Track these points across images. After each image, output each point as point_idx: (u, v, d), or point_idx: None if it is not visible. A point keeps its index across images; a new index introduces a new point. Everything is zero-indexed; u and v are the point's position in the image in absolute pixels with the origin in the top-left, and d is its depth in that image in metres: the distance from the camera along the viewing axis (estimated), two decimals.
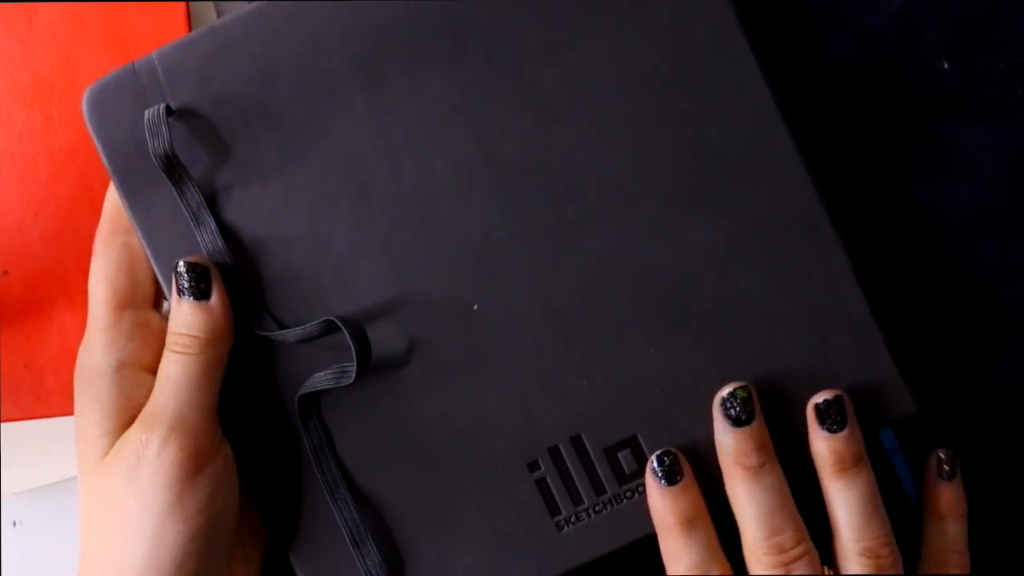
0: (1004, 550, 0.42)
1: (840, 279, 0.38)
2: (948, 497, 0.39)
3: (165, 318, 0.37)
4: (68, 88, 0.42)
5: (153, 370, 0.36)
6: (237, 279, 0.37)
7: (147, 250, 0.37)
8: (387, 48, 0.37)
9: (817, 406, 0.37)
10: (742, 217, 0.37)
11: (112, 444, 0.35)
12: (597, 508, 0.38)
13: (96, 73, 0.42)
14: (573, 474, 0.38)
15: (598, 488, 0.38)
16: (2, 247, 0.42)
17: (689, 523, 0.37)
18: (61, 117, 0.42)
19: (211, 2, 0.44)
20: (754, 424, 0.37)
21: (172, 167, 0.36)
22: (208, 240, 0.37)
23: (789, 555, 0.36)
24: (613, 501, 0.38)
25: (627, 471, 0.38)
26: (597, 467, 0.38)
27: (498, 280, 0.37)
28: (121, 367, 0.36)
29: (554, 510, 0.38)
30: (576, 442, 0.38)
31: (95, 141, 0.37)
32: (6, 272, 0.42)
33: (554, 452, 0.38)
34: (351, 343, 0.36)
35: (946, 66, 0.42)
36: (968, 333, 0.42)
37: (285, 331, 0.37)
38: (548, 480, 0.38)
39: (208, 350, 0.36)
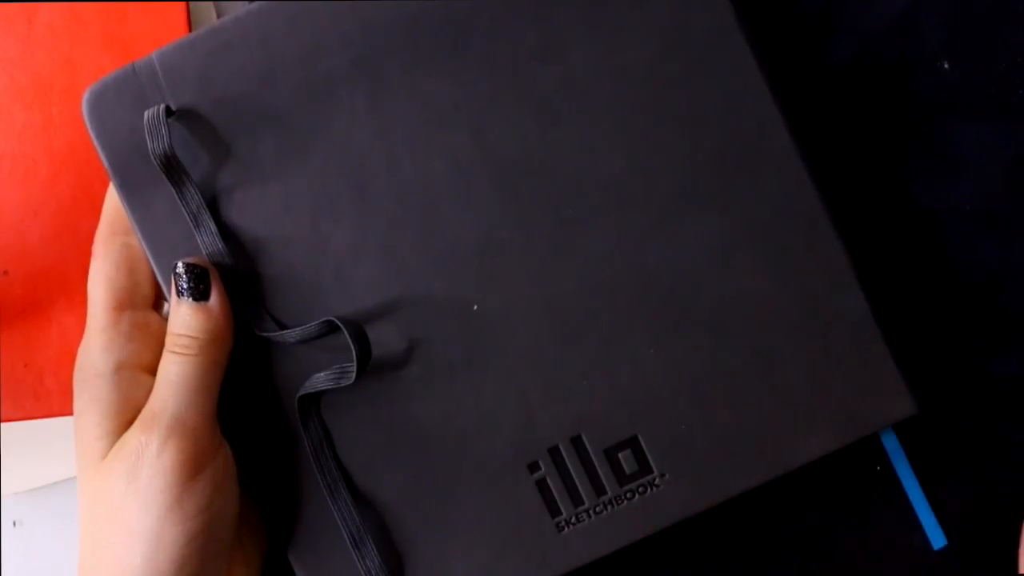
0: (1005, 550, 0.42)
1: (840, 279, 0.38)
2: None
3: (165, 319, 0.37)
4: (68, 88, 0.42)
5: (153, 371, 0.36)
6: (237, 280, 0.37)
7: (147, 251, 0.37)
8: (387, 48, 0.37)
9: None
10: (742, 217, 0.37)
11: (111, 445, 0.35)
12: (598, 509, 0.38)
13: (96, 73, 0.42)
14: (573, 475, 0.38)
15: (599, 489, 0.38)
16: (2, 247, 0.42)
17: None
18: (61, 117, 0.42)
19: (211, 2, 0.44)
20: None
21: (172, 168, 0.36)
22: (208, 241, 0.37)
23: None
24: (614, 502, 0.38)
25: (627, 471, 0.38)
26: (597, 468, 0.38)
27: (498, 280, 0.37)
28: (120, 368, 0.36)
29: (554, 511, 0.38)
30: (576, 443, 0.38)
31: (95, 142, 0.37)
32: (6, 272, 0.42)
33: (554, 453, 0.38)
34: (351, 344, 0.36)
35: (946, 66, 0.42)
36: (968, 333, 0.42)
37: (285, 332, 0.37)
38: (548, 481, 0.38)
39: (207, 351, 0.36)
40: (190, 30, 0.43)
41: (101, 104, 0.37)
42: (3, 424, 0.42)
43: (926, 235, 0.42)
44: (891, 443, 0.42)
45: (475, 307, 0.37)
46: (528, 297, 0.37)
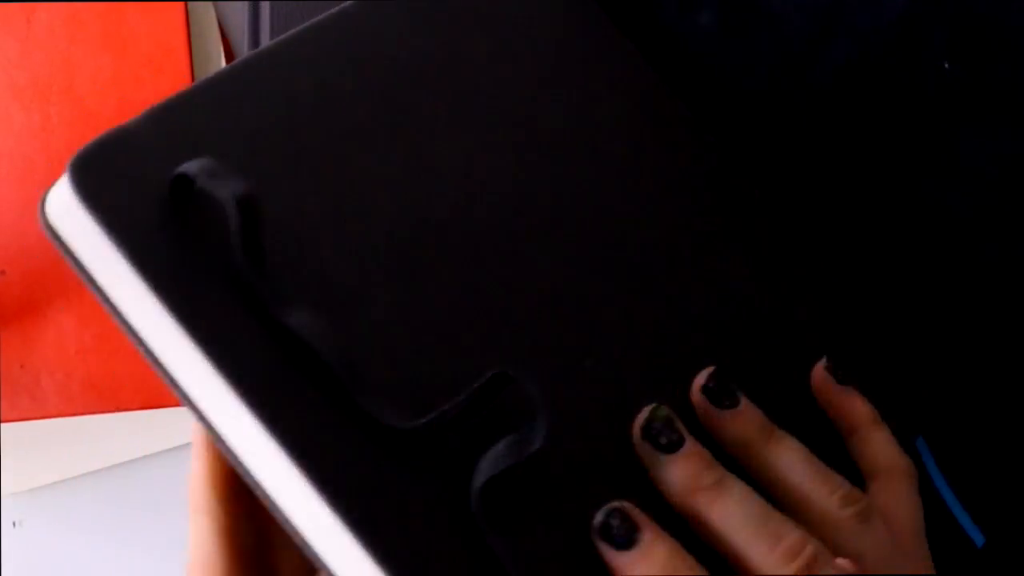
0: (1007, 551, 0.42)
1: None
2: (858, 405, 0.35)
3: None
4: (66, 88, 0.42)
5: None
6: (332, 374, 0.27)
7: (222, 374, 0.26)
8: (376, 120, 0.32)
9: (705, 387, 0.32)
10: (754, 239, 0.38)
11: None
12: None
13: (95, 73, 0.42)
14: None
15: None
16: (0, 247, 0.42)
17: None
18: (59, 117, 0.42)
19: (210, 2, 0.44)
20: (689, 442, 0.31)
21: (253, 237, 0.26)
22: (299, 325, 0.27)
23: (805, 557, 0.29)
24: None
25: None
26: None
27: (600, 333, 0.33)
28: None
29: None
30: None
31: (104, 229, 0.25)
32: (3, 272, 0.42)
33: None
34: (531, 396, 0.28)
35: (947, 66, 0.42)
36: (968, 333, 0.42)
37: (439, 412, 0.28)
38: None
39: None
40: (189, 30, 0.43)
41: (99, 174, 0.26)
42: (2, 424, 0.42)
43: (927, 235, 0.42)
44: (921, 446, 0.42)
45: (586, 362, 0.32)
46: (628, 345, 0.33)
